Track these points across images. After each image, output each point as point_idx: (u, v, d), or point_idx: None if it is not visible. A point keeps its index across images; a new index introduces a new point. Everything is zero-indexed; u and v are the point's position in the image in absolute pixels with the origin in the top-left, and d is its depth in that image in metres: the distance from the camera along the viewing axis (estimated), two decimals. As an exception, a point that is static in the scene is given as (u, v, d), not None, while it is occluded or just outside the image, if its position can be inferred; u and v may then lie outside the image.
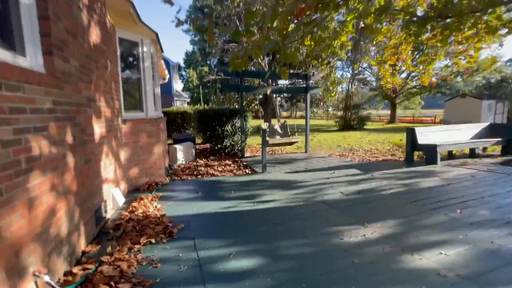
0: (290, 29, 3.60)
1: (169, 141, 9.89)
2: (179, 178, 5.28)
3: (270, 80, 10.23)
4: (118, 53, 4.09)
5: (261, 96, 17.65)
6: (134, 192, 4.23)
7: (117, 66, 3.96)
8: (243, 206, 3.57)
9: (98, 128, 2.96)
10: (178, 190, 4.40)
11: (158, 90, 5.85)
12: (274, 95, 11.50)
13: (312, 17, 3.50)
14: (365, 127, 18.62)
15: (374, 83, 25.31)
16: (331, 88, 8.88)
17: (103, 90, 3.21)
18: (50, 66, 1.99)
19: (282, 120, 9.88)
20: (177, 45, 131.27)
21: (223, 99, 13.86)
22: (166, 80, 10.58)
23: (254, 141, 12.26)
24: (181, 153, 6.92)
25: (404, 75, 22.74)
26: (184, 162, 6.96)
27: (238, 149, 7.82)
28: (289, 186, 4.50)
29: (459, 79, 24.04)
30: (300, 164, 6.42)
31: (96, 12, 3.06)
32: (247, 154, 8.22)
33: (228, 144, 7.59)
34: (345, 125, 17.98)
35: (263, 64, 10.85)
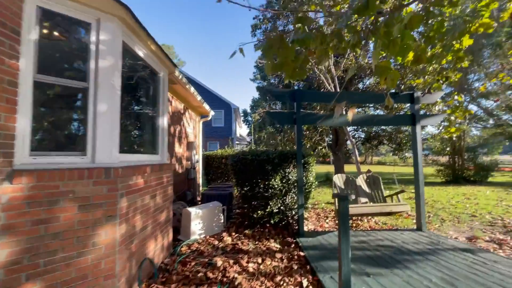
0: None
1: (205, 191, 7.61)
2: (158, 293, 2.54)
3: (343, 110, 7.25)
4: (35, 36, 2.03)
5: (329, 138, 14.43)
6: None
7: (14, 56, 1.85)
8: None
9: None
10: None
11: (163, 121, 3.67)
12: (349, 134, 8.31)
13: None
14: (489, 179, 12.75)
15: (491, 119, 18.46)
16: (452, 118, 5.26)
17: None
18: None
19: (364, 169, 6.48)
20: (248, 95, 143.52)
21: (281, 140, 11.22)
22: (210, 117, 8.81)
23: (320, 197, 8.81)
24: (199, 222, 4.31)
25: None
26: (203, 235, 4.30)
27: (292, 217, 4.71)
28: None
29: None
30: (425, 268, 2.88)
31: None
32: (308, 226, 5.04)
33: (274, 210, 4.50)
34: (455, 176, 12.64)
35: (328, 83, 7.91)
